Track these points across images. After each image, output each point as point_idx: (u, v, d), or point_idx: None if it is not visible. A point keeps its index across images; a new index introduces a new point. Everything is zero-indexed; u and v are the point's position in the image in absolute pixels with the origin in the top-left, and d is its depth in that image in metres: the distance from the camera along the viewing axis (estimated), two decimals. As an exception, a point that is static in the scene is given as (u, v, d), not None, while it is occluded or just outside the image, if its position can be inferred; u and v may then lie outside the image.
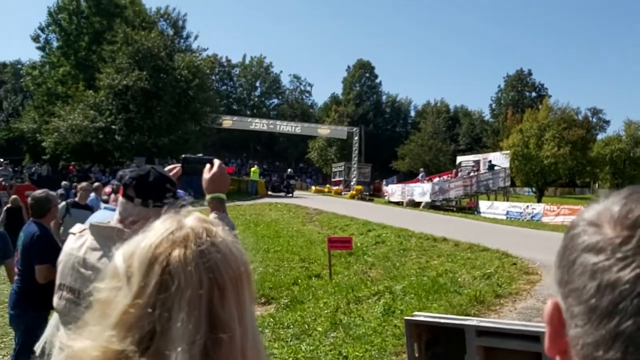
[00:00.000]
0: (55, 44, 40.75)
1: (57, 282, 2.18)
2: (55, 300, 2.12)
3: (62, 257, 2.23)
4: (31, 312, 4.36)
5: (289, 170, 34.85)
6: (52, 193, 5.36)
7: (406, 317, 3.59)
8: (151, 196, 1.98)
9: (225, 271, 0.79)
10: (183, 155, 2.29)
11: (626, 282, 0.47)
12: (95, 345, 0.76)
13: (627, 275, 0.48)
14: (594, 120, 60.02)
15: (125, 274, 0.80)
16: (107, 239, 1.85)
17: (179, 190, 2.89)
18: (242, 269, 0.81)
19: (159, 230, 0.82)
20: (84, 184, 8.85)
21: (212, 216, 2.07)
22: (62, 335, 0.86)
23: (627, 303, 0.47)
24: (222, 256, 0.80)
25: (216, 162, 2.19)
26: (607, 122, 65.71)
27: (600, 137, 51.15)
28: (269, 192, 30.10)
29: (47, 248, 4.51)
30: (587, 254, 0.51)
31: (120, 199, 2.10)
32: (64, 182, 18.28)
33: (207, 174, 2.13)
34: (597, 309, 0.49)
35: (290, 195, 29.19)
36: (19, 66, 58.25)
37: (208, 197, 2.13)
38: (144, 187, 2.01)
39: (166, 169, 2.29)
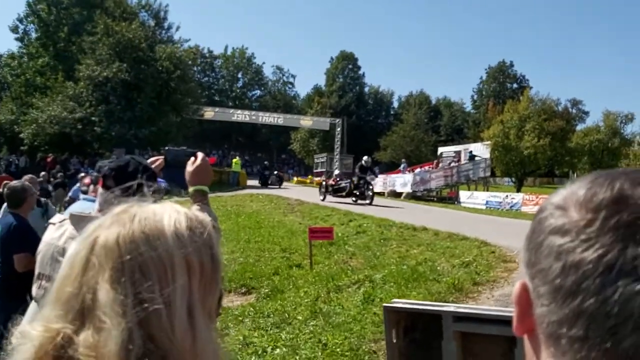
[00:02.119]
0: (34, 35, 40.25)
1: (37, 271, 2.18)
2: (34, 290, 2.12)
3: (41, 247, 2.22)
4: (12, 303, 4.31)
5: (265, 162, 34.26)
6: (28, 184, 5.31)
7: (385, 304, 3.62)
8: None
9: (148, 253, 0.80)
10: (166, 147, 2.28)
11: (589, 262, 0.49)
12: (39, 325, 0.79)
13: (590, 255, 0.49)
14: (574, 111, 60.62)
15: (67, 256, 0.84)
16: (83, 227, 1.84)
17: (160, 180, 2.88)
18: (173, 253, 0.82)
19: (108, 214, 0.86)
20: (27, 176, 8.33)
21: (195, 208, 2.06)
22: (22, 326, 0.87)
23: (590, 282, 0.48)
24: (147, 239, 0.81)
25: (199, 155, 2.20)
26: (587, 113, 66.38)
27: (579, 127, 51.80)
28: (264, 186, 28.65)
29: (24, 237, 4.50)
30: (554, 236, 0.53)
31: (100, 189, 2.10)
32: (42, 173, 17.99)
33: (190, 167, 2.14)
34: (562, 289, 0.51)
35: (279, 187, 28.54)
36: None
37: (191, 189, 2.14)
38: (124, 177, 1.99)
39: (149, 160, 2.28)
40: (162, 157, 2.39)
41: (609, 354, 0.48)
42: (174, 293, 0.80)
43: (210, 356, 0.83)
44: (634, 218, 0.49)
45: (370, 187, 18.89)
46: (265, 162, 34.49)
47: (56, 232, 2.18)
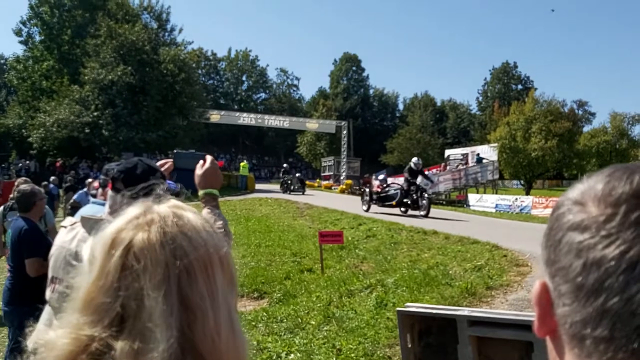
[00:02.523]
0: (37, 37, 40.21)
1: (50, 275, 2.18)
2: (48, 294, 2.13)
3: (53, 251, 2.23)
4: (25, 308, 4.34)
5: (285, 165, 32.05)
6: (40, 188, 5.33)
7: (399, 309, 3.62)
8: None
9: (192, 253, 0.80)
10: (175, 150, 2.29)
11: (611, 260, 0.48)
12: (66, 332, 0.77)
13: (611, 252, 0.48)
14: (580, 112, 60.48)
15: (89, 259, 0.82)
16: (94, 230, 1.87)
17: (169, 182, 2.90)
18: (211, 252, 0.82)
19: (126, 215, 0.84)
20: (21, 179, 8.31)
21: (205, 212, 2.09)
22: (38, 331, 0.87)
23: (613, 280, 0.47)
24: (188, 239, 0.81)
25: (208, 158, 2.19)
26: (593, 115, 66.33)
27: (586, 129, 51.65)
28: (286, 193, 25.78)
29: (35, 241, 4.50)
30: (573, 232, 0.52)
31: (110, 192, 2.11)
32: (52, 178, 18.13)
33: (199, 170, 2.13)
34: (584, 287, 0.49)
35: (302, 193, 25.73)
36: (2, 61, 57.50)
37: (201, 192, 2.13)
38: (133, 180, 2.01)
39: (158, 163, 2.29)
40: (171, 160, 2.40)
41: (637, 355, 0.46)
42: (217, 293, 0.81)
43: (246, 356, 0.84)
44: None
45: (426, 195, 15.97)
46: (285, 165, 32.64)
47: (67, 235, 2.19)
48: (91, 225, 1.99)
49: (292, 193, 25.55)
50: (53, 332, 0.79)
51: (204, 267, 0.80)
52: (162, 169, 2.26)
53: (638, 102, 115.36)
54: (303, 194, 25.57)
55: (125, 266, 0.78)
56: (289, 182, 27.05)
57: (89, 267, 0.81)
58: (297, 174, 29.39)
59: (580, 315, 0.50)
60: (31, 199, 4.84)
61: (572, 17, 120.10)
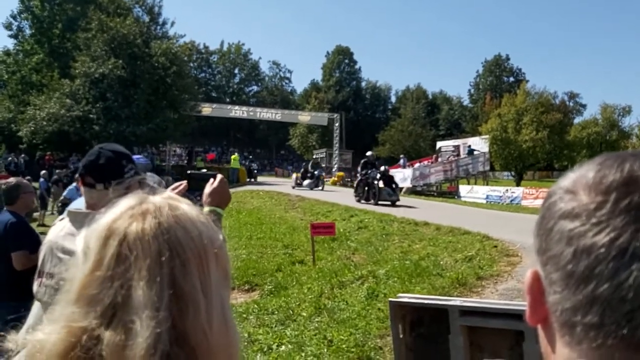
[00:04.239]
0: (28, 31, 39.95)
1: (38, 269, 2.18)
2: (35, 287, 2.12)
3: (43, 246, 2.22)
4: (12, 302, 4.29)
5: (315, 156, 27.76)
6: (26, 181, 5.27)
7: (391, 299, 3.62)
8: (110, 177, 1.97)
9: (187, 244, 0.79)
10: (188, 172, 2.28)
11: (601, 247, 0.48)
12: (57, 327, 0.76)
13: (602, 239, 0.48)
14: (571, 104, 60.80)
15: (83, 250, 0.81)
16: (82, 224, 1.85)
17: (138, 157, 2.86)
18: (206, 243, 0.81)
19: (120, 206, 0.83)
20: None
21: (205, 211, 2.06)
22: (21, 333, 0.85)
23: (603, 267, 0.48)
24: (183, 229, 0.80)
25: (218, 176, 2.18)
26: (584, 106, 66.70)
27: (577, 120, 51.84)
28: (297, 188, 23.21)
29: (21, 234, 4.45)
30: (564, 220, 0.52)
31: (82, 188, 2.11)
32: (42, 172, 17.97)
33: (208, 188, 2.11)
34: (574, 274, 0.50)
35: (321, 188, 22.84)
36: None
37: (206, 209, 2.11)
38: (99, 171, 2.01)
39: (172, 186, 2.26)
40: (185, 182, 2.38)
41: (626, 340, 0.47)
42: (210, 285, 0.80)
43: (238, 350, 0.83)
44: None
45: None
46: (315, 156, 28.17)
47: (56, 229, 2.19)
48: (79, 219, 1.98)
49: (314, 189, 22.59)
50: (44, 331, 0.77)
51: (198, 258, 0.79)
52: (175, 192, 2.23)
53: (628, 93, 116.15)
54: (322, 189, 22.95)
55: (120, 256, 0.77)
56: (317, 177, 23.39)
57: (84, 258, 0.80)
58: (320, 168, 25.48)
59: (570, 302, 0.50)
60: (14, 192, 4.77)
61: (564, 9, 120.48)
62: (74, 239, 1.90)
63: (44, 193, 16.78)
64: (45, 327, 0.77)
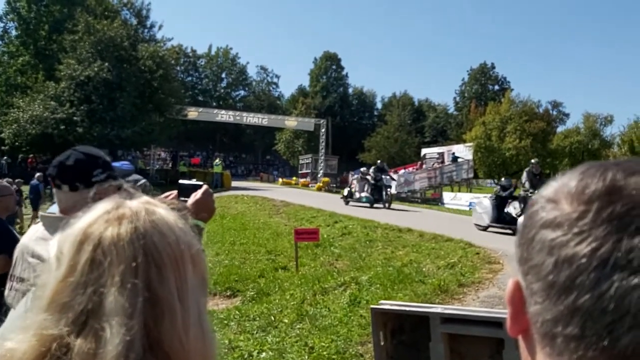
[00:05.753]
0: (14, 33, 39.57)
1: (9, 273, 2.14)
2: (6, 292, 2.08)
3: (16, 251, 2.19)
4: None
5: (379, 161, 19.84)
6: (6, 183, 5.18)
7: (372, 306, 3.61)
8: (76, 179, 1.94)
9: (163, 249, 0.77)
10: (179, 181, 2.21)
11: (582, 257, 0.47)
12: (28, 335, 0.74)
13: (583, 249, 0.47)
14: (554, 113, 61.43)
15: (56, 255, 0.79)
16: (55, 228, 1.82)
17: (124, 163, 2.82)
18: (183, 248, 0.80)
19: (96, 210, 0.81)
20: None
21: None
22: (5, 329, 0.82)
23: (584, 278, 0.46)
24: (160, 234, 0.79)
25: (203, 187, 2.07)
26: (567, 115, 67.36)
27: (560, 129, 52.41)
28: (351, 204, 18.49)
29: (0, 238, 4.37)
30: (545, 230, 0.51)
31: (54, 190, 2.07)
32: (37, 174, 17.59)
33: (191, 199, 2.01)
34: (555, 285, 0.48)
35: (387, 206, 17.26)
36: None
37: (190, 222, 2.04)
38: (66, 172, 1.97)
39: (162, 195, 2.20)
40: (175, 192, 2.33)
41: (607, 352, 0.45)
42: (187, 291, 0.78)
43: (214, 357, 0.82)
44: (627, 209, 0.47)
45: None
46: (379, 161, 19.81)
47: (29, 233, 2.17)
48: (53, 223, 1.94)
49: (374, 206, 17.54)
50: (15, 339, 0.74)
51: (175, 263, 0.78)
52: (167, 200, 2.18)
53: (611, 103, 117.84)
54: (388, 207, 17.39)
55: (94, 261, 0.75)
56: (384, 188, 17.76)
57: (57, 264, 0.77)
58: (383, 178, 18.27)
59: (551, 313, 0.49)
60: None
61: (550, 19, 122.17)
62: (46, 244, 1.87)
63: (40, 196, 16.60)
64: (17, 335, 0.75)
